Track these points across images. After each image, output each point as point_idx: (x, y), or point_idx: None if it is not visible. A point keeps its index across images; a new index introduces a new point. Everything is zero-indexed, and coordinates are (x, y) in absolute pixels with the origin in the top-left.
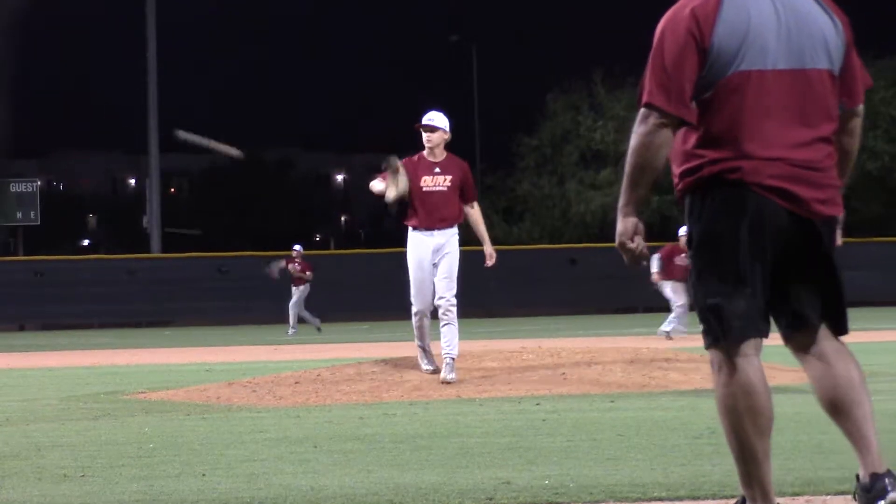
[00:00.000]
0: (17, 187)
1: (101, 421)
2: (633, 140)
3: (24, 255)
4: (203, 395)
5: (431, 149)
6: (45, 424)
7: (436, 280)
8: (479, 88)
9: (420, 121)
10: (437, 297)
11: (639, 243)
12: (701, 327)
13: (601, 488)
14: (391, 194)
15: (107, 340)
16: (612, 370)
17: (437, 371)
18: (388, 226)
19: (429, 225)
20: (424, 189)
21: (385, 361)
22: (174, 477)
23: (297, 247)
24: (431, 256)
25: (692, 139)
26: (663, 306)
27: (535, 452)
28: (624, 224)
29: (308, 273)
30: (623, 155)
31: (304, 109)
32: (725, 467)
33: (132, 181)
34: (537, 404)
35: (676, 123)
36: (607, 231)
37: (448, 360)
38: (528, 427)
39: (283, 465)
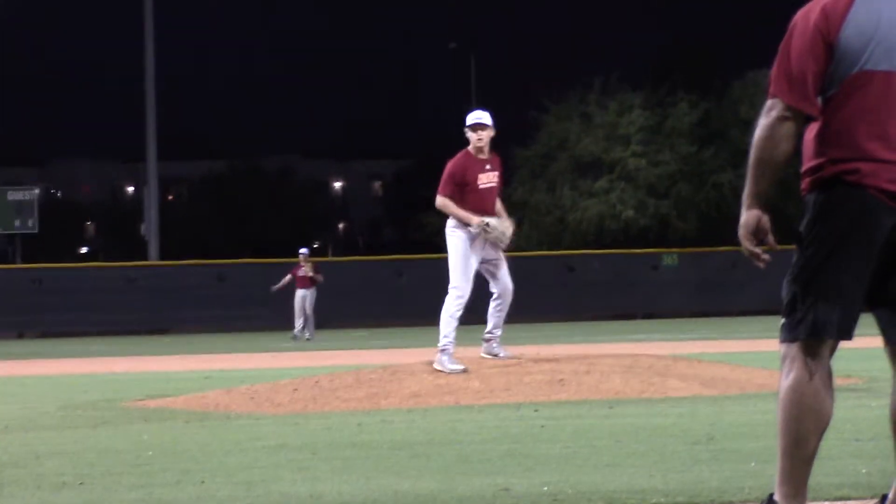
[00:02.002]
0: (15, 195)
1: (100, 429)
2: (756, 132)
3: (23, 263)
4: (202, 403)
5: (481, 147)
6: (44, 432)
7: (500, 273)
8: (477, 97)
9: (465, 122)
10: (503, 286)
11: (759, 251)
12: (782, 321)
13: (600, 495)
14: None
15: (105, 348)
16: (610, 377)
17: (466, 370)
18: (388, 235)
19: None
20: (481, 187)
21: (383, 368)
22: (173, 484)
23: (303, 250)
24: (481, 251)
25: (817, 137)
26: (662, 313)
27: (533, 459)
28: (746, 217)
29: (318, 274)
30: (614, 164)
31: (304, 117)
32: (724, 473)
33: (130, 189)
34: (536, 411)
35: (800, 118)
36: (604, 238)
37: (497, 339)
38: (526, 434)
39: (281, 473)
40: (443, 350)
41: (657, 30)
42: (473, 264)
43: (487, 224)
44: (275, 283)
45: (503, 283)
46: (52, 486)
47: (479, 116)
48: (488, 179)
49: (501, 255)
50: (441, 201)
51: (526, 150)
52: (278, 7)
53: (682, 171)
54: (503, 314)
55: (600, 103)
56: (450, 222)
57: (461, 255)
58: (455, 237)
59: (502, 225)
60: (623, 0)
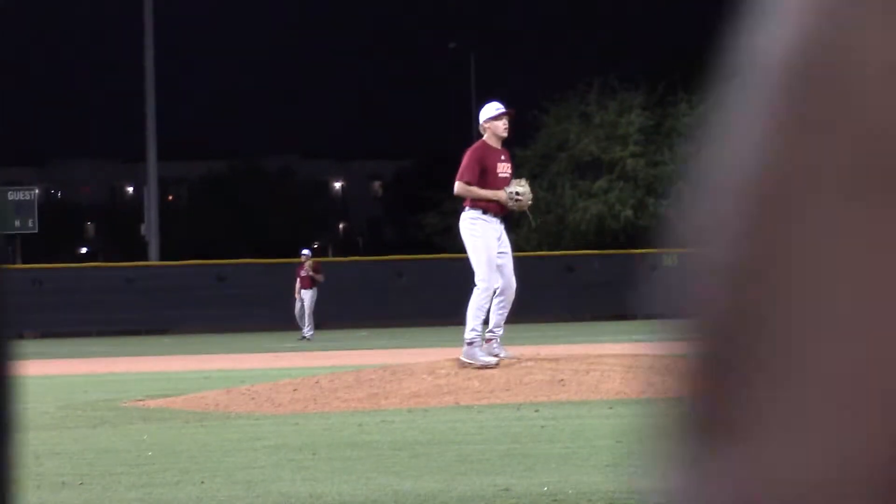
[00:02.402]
0: (15, 195)
1: (100, 429)
2: None
3: (23, 263)
4: (201, 403)
5: (504, 137)
6: (44, 432)
7: (506, 268)
8: (476, 96)
9: (482, 116)
10: (507, 282)
11: None
12: None
13: (600, 495)
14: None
15: (105, 348)
16: (610, 377)
17: (498, 364)
18: (388, 235)
19: (500, 210)
20: (500, 176)
21: (383, 368)
22: (173, 484)
23: (305, 251)
24: (497, 242)
25: None
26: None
27: (533, 459)
28: None
29: (319, 274)
30: (614, 163)
31: (304, 117)
32: None
33: (130, 189)
34: (536, 411)
35: None
36: (604, 238)
37: (497, 339)
38: (526, 434)
39: (281, 473)
40: (471, 343)
41: (657, 30)
42: (494, 254)
43: (516, 193)
44: (277, 285)
45: (507, 279)
46: (52, 486)
47: (500, 106)
48: (504, 169)
49: (509, 250)
50: (462, 187)
51: (525, 150)
52: (278, 7)
53: (683, 171)
54: (506, 312)
55: (600, 103)
56: (468, 215)
57: (483, 247)
58: (475, 229)
59: (521, 186)
60: (624, 0)
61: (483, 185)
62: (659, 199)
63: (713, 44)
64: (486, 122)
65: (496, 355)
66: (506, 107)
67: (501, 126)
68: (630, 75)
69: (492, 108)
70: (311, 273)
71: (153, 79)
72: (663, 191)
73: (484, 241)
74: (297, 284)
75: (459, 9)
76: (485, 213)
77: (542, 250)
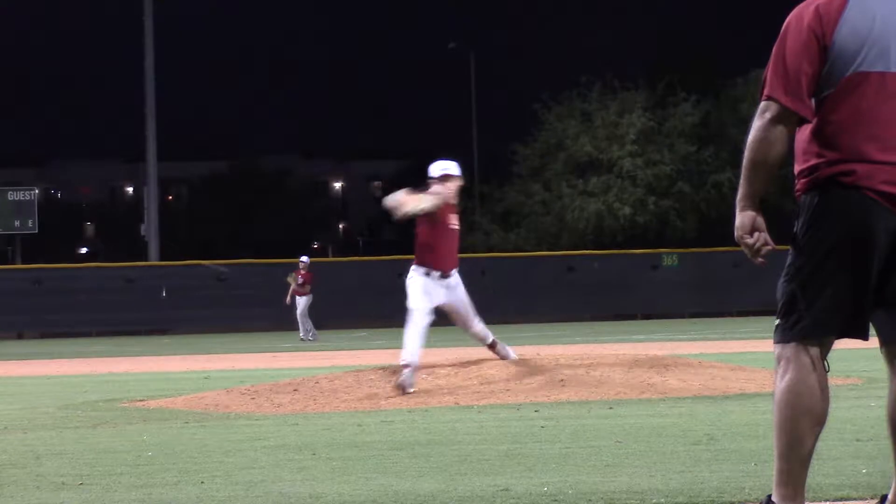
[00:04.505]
0: (15, 195)
1: (100, 429)
2: (750, 134)
3: (22, 263)
4: (201, 403)
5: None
6: (44, 432)
7: (466, 319)
8: (477, 96)
9: (430, 171)
10: (479, 329)
11: (758, 238)
12: (776, 321)
13: (599, 495)
14: (420, 206)
15: (105, 348)
16: (610, 377)
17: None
18: (388, 235)
19: (446, 268)
20: (451, 227)
21: (383, 369)
22: (172, 485)
23: (303, 258)
24: (444, 299)
25: (812, 138)
26: (662, 313)
27: (533, 459)
28: (741, 218)
29: (307, 286)
30: (612, 163)
31: (303, 117)
32: (724, 474)
33: (130, 189)
34: (536, 411)
35: (794, 119)
36: (603, 237)
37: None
38: (526, 434)
39: (281, 473)
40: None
41: (658, 29)
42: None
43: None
44: (277, 285)
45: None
46: (52, 486)
47: (447, 168)
48: (456, 222)
49: (462, 289)
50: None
51: (525, 147)
52: (277, 7)
53: (682, 171)
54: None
55: (601, 102)
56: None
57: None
58: (419, 297)
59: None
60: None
61: (434, 238)
62: (658, 199)
63: (716, 42)
64: (432, 180)
65: (504, 357)
66: (448, 170)
67: (450, 188)
68: (631, 75)
69: (437, 168)
70: (303, 282)
71: (153, 79)
72: (662, 190)
73: (425, 308)
74: (291, 289)
75: (460, 9)
76: (430, 273)
77: (541, 250)
